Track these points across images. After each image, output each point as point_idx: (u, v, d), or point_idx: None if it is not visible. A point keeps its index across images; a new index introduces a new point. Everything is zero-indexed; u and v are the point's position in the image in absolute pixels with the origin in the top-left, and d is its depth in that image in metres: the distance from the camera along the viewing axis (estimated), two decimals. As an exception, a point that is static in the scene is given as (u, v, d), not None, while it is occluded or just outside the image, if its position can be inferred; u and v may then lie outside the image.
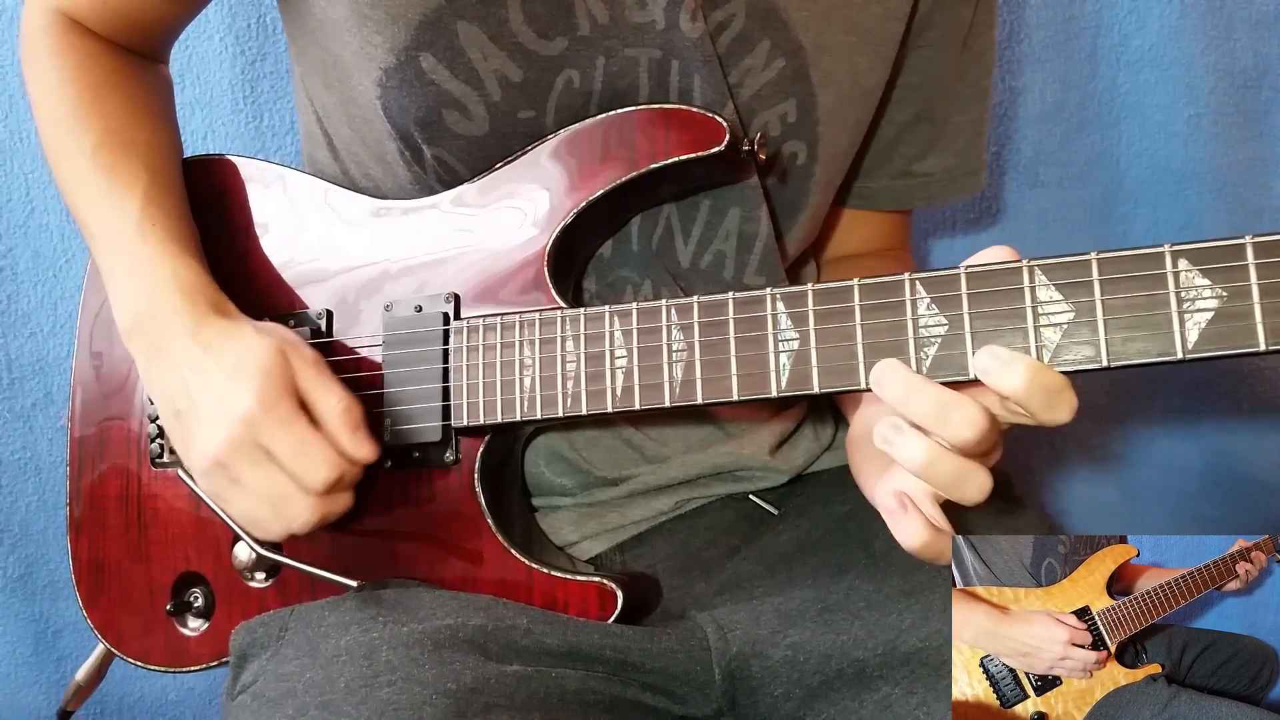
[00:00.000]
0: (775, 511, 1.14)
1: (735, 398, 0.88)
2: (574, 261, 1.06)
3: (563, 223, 1.01)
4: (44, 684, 1.76)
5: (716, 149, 0.96)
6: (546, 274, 1.00)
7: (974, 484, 0.79)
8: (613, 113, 1.01)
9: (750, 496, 1.15)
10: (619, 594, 0.98)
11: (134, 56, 1.19)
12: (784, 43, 1.03)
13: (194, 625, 1.11)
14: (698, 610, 1.02)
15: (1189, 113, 1.69)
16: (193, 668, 1.11)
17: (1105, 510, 1.81)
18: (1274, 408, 1.75)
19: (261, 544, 1.06)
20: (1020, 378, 0.76)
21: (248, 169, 1.16)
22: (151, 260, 1.03)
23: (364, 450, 0.96)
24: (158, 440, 1.13)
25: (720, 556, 1.11)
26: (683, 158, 0.98)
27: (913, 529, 0.81)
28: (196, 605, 1.11)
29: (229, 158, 1.18)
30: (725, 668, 0.97)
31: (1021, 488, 1.13)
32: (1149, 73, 1.68)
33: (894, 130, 1.21)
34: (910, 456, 0.78)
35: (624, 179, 0.99)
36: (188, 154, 1.18)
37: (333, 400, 0.96)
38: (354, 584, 1.02)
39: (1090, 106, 1.70)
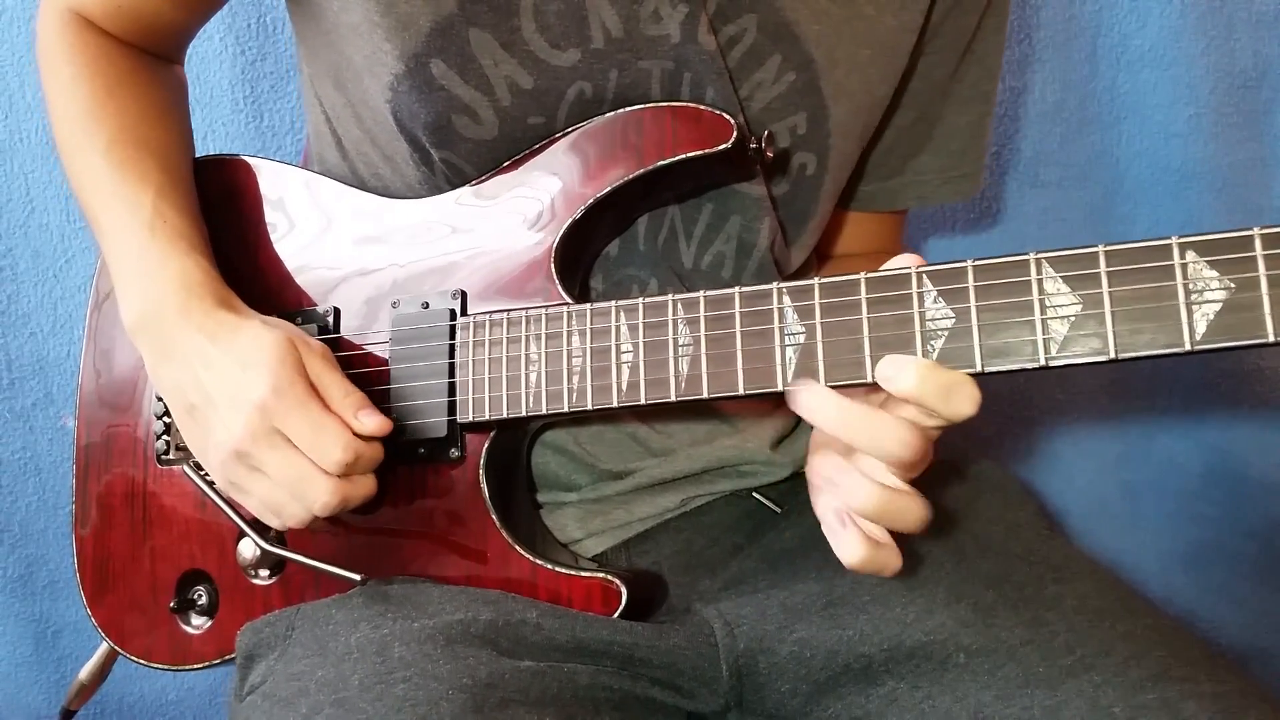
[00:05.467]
0: (778, 509, 1.14)
1: (741, 392, 0.88)
2: (581, 259, 1.06)
3: (570, 219, 1.01)
4: (44, 684, 1.76)
5: (724, 146, 0.97)
6: (553, 271, 1.01)
7: (911, 516, 0.83)
8: (621, 110, 1.01)
9: (754, 494, 1.16)
10: (623, 590, 0.98)
11: (148, 56, 1.19)
12: (795, 56, 1.04)
13: (197, 623, 1.11)
14: (703, 606, 1.03)
15: (1189, 113, 1.69)
16: (195, 665, 1.11)
17: (1105, 510, 1.81)
18: (1274, 408, 1.75)
19: (266, 539, 1.06)
20: (911, 379, 0.79)
21: (258, 169, 1.17)
22: (161, 257, 1.04)
23: (372, 423, 0.96)
24: (163, 438, 1.13)
25: (724, 554, 1.12)
26: (690, 154, 0.98)
27: (851, 546, 0.83)
28: (200, 603, 1.11)
29: (240, 157, 1.18)
30: (733, 664, 0.98)
31: (1021, 486, 1.14)
32: (1149, 73, 1.68)
33: (894, 134, 1.21)
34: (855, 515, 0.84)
35: (631, 176, 0.99)
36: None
37: (337, 383, 0.97)
38: (358, 578, 1.02)
39: (1090, 106, 1.70)
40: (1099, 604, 0.94)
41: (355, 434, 0.96)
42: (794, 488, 1.16)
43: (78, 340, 1.24)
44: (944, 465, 1.12)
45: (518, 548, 1.00)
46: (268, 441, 0.94)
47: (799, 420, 1.19)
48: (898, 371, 0.80)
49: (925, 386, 0.79)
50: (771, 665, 0.97)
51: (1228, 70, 1.68)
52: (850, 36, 1.05)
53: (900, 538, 0.86)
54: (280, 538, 1.08)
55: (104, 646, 1.20)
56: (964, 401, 0.79)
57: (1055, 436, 1.81)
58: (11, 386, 1.67)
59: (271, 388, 0.94)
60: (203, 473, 1.09)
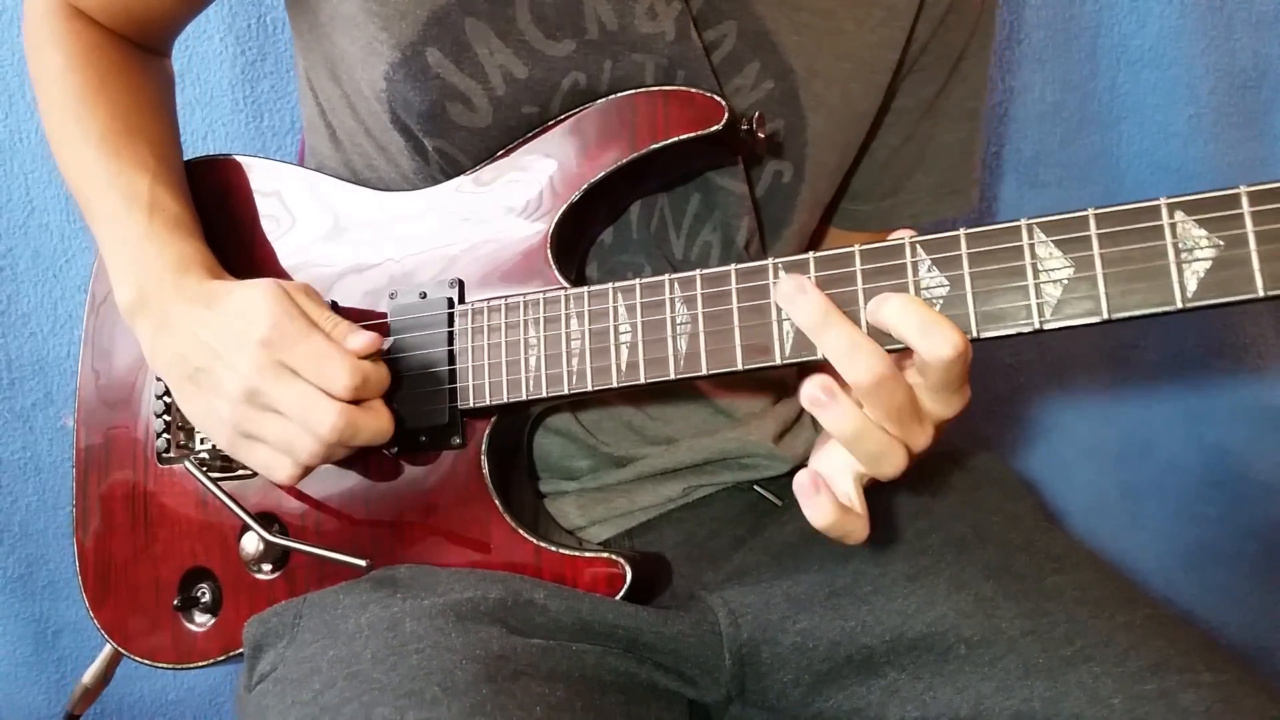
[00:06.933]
0: (779, 502, 1.15)
1: (740, 367, 0.89)
2: (577, 245, 1.06)
3: (566, 205, 1.01)
4: (44, 684, 1.75)
5: (715, 127, 0.97)
6: (550, 256, 1.01)
7: (891, 461, 0.83)
8: (614, 96, 1.01)
9: (755, 487, 1.16)
10: (627, 570, 0.98)
11: (137, 48, 1.20)
12: (773, 65, 1.05)
13: (201, 621, 1.11)
14: (708, 594, 1.03)
15: (1189, 113, 1.69)
16: (200, 663, 1.11)
17: (1105, 510, 1.81)
18: (1274, 408, 1.75)
19: (269, 531, 1.06)
20: (893, 309, 0.81)
21: (250, 167, 1.17)
22: (159, 242, 1.04)
23: (360, 341, 0.96)
24: (163, 436, 1.14)
25: (727, 546, 1.12)
26: (683, 137, 0.98)
27: (821, 510, 0.83)
28: (204, 601, 1.11)
29: (234, 157, 1.18)
30: (735, 653, 0.98)
31: (1020, 479, 1.15)
32: (1149, 73, 1.68)
33: (886, 153, 1.22)
34: (839, 424, 0.81)
35: (625, 160, 1.00)
36: (187, 154, 1.19)
37: (322, 317, 0.98)
38: (363, 563, 1.02)
39: (1090, 106, 1.70)
40: (1099, 594, 0.94)
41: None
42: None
43: (78, 340, 1.23)
44: (944, 458, 1.12)
45: (521, 531, 1.01)
46: (275, 374, 0.94)
47: (801, 413, 1.19)
48: (881, 304, 0.82)
49: (904, 318, 0.80)
50: (774, 655, 0.97)
51: (1228, 70, 1.68)
52: (830, 50, 1.06)
53: (879, 512, 0.87)
54: (283, 530, 1.08)
55: (107, 649, 1.20)
56: (941, 341, 0.79)
57: (1055, 436, 1.81)
58: (11, 386, 1.67)
59: (271, 324, 0.95)
60: (204, 468, 1.09)
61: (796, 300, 0.84)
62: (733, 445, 1.12)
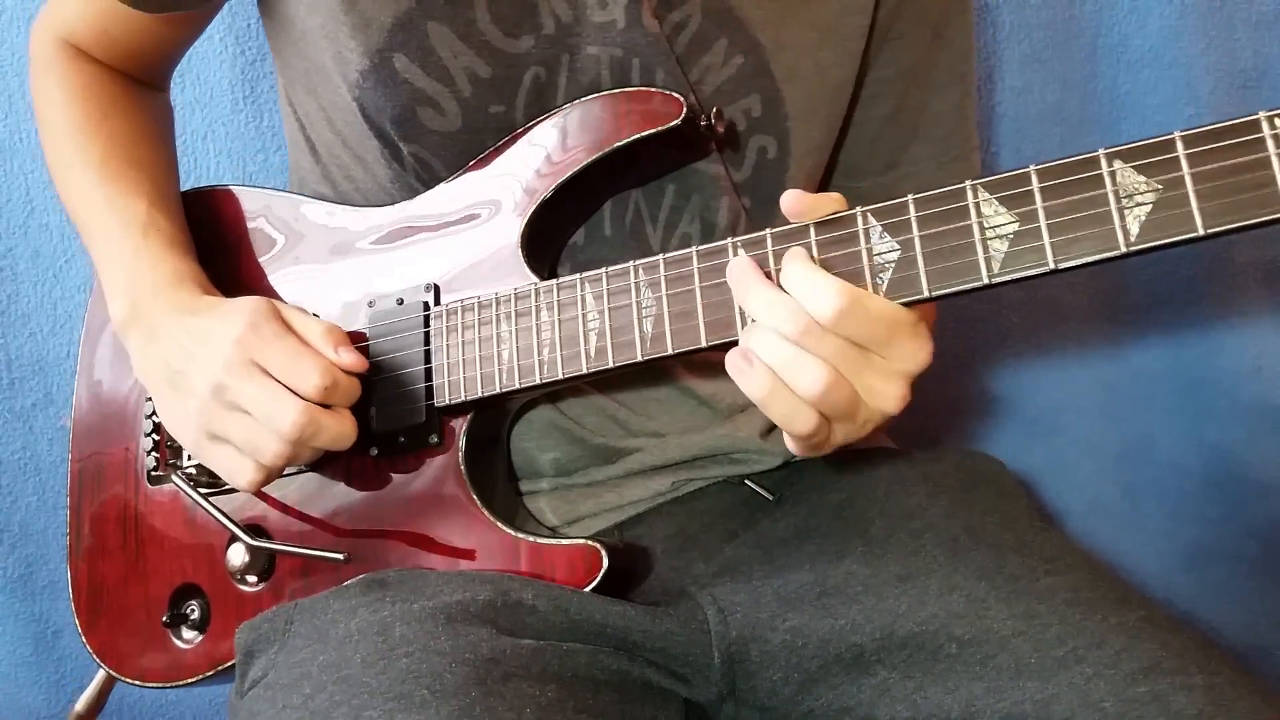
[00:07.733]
0: (771, 497, 1.15)
1: (704, 344, 0.91)
2: (548, 247, 1.08)
3: (535, 206, 1.04)
4: (44, 684, 1.75)
5: (675, 123, 0.99)
6: (522, 257, 1.03)
7: (800, 419, 0.84)
8: (577, 101, 1.04)
9: (746, 481, 1.16)
10: (603, 553, 0.99)
11: (136, 83, 1.24)
12: (741, 40, 1.06)
13: (189, 637, 1.12)
14: (697, 590, 1.03)
15: (1189, 113, 1.69)
16: (190, 680, 1.13)
17: (1105, 510, 1.81)
18: (1274, 408, 1.74)
19: (253, 537, 1.07)
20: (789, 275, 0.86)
21: (239, 196, 1.21)
22: (154, 258, 1.08)
23: (349, 358, 1.00)
24: (152, 454, 1.15)
25: (718, 540, 1.12)
26: (644, 134, 1.01)
27: (756, 380, 0.84)
28: (192, 618, 1.12)
29: (224, 187, 1.22)
30: (725, 651, 0.98)
31: (1014, 478, 1.15)
32: (1149, 73, 1.68)
33: (877, 126, 1.22)
34: (751, 387, 0.85)
35: (590, 160, 1.02)
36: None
37: (314, 324, 1.01)
38: (340, 557, 1.04)
39: (1090, 106, 1.70)
40: (1091, 596, 0.94)
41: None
42: (787, 477, 1.17)
43: (78, 340, 1.24)
44: (939, 457, 1.13)
45: (499, 524, 1.02)
46: (244, 372, 0.97)
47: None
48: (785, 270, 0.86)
49: (796, 285, 0.85)
50: (764, 653, 0.97)
51: (1228, 70, 1.68)
52: (795, 20, 1.07)
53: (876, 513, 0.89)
54: (267, 538, 1.09)
55: (101, 674, 1.21)
56: (827, 299, 0.82)
57: (1055, 436, 1.81)
58: (11, 386, 1.67)
59: (248, 324, 0.98)
60: (191, 483, 1.10)
61: (731, 275, 0.88)
62: (722, 441, 1.13)
